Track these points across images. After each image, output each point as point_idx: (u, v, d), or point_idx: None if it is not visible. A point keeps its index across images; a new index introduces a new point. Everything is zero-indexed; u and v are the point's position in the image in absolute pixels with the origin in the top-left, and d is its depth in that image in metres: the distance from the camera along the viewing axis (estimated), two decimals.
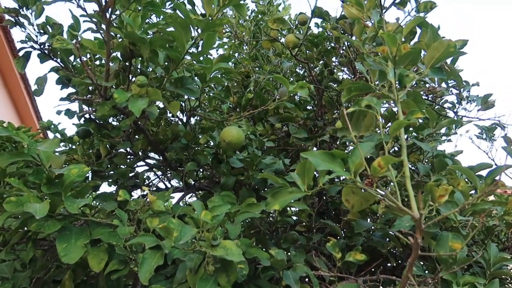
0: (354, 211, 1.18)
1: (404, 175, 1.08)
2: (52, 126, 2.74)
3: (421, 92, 2.12)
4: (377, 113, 1.13)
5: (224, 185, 1.81)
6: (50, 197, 1.26)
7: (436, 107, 2.26)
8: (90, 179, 1.96)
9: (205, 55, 1.55)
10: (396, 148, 2.00)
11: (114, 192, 1.90)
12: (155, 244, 1.15)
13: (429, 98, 2.31)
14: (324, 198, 2.48)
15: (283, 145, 2.57)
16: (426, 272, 1.79)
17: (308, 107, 2.87)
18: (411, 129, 1.80)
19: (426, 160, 1.89)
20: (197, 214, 1.16)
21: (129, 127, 1.63)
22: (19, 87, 7.12)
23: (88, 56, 1.76)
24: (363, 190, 1.14)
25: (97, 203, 1.64)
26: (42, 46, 1.82)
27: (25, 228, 1.36)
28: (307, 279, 1.66)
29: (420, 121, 1.75)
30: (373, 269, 1.95)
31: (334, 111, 2.55)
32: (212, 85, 2.37)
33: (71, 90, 1.99)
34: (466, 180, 1.50)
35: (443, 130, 2.27)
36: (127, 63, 1.61)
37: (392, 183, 1.28)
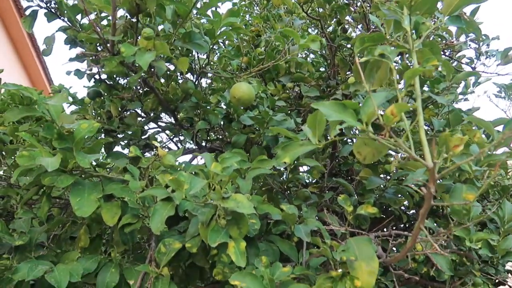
0: (366, 163, 1.16)
1: (418, 125, 1.05)
2: (64, 89, 2.75)
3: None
4: (391, 63, 1.09)
5: (235, 143, 1.81)
6: (61, 152, 1.26)
7: (454, 64, 2.19)
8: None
9: (213, 8, 1.50)
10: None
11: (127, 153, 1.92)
12: (166, 196, 1.15)
13: (447, 54, 2.23)
14: (337, 160, 2.47)
15: (295, 106, 2.54)
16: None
17: (321, 69, 2.81)
18: (426, 88, 1.75)
19: (441, 117, 1.85)
20: (207, 166, 1.16)
21: (138, 83, 1.61)
22: (28, 48, 7.10)
23: (95, 13, 1.72)
24: (376, 141, 1.12)
25: (109, 162, 1.65)
26: (48, 4, 1.79)
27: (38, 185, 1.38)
28: (318, 234, 1.67)
29: (436, 75, 1.70)
30: (384, 229, 1.96)
31: (347, 70, 2.49)
32: (222, 45, 2.33)
33: (80, 50, 1.97)
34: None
35: (459, 90, 2.20)
36: (133, 19, 1.57)
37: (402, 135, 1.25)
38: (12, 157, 1.55)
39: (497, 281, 2.28)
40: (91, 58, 1.61)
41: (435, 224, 1.82)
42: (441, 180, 1.36)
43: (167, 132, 2.34)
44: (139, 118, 2.14)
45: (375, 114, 1.00)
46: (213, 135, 2.37)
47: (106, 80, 2.16)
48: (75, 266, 1.27)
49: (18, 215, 1.52)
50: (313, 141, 1.19)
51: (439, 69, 1.69)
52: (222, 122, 2.06)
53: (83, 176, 1.35)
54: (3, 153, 1.55)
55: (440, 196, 1.33)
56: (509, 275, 2.24)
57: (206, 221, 1.27)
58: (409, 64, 1.69)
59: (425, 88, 1.75)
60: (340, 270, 1.25)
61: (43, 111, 1.25)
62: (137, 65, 1.37)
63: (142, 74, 1.56)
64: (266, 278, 1.21)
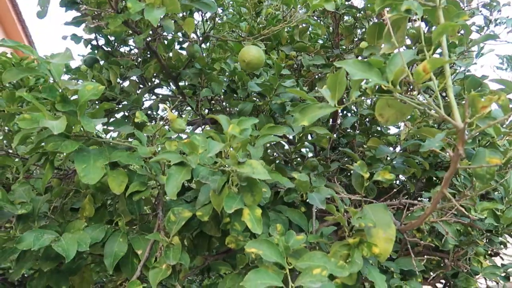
0: (389, 125, 1.12)
1: (446, 85, 1.00)
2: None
3: None
4: (418, 20, 1.03)
5: (242, 111, 1.75)
6: (65, 116, 1.19)
7: (461, 32, 2.13)
8: None
9: None
10: None
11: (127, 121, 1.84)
12: (180, 161, 1.10)
13: None
14: (336, 134, 2.42)
15: (297, 77, 2.47)
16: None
17: (319, 41, 2.73)
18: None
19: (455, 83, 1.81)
20: (224, 128, 1.10)
21: (142, 44, 1.53)
22: (8, 10, 6.83)
23: None
24: (401, 102, 1.07)
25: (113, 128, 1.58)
26: None
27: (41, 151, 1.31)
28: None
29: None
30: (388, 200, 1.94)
31: (352, 38, 2.42)
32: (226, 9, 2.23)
33: (75, 13, 1.86)
34: None
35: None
36: None
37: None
38: (9, 124, 1.47)
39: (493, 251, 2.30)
40: (93, 15, 1.51)
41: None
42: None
43: (167, 101, 2.27)
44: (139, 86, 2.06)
45: (404, 71, 0.95)
46: (214, 106, 2.30)
47: (103, 46, 2.06)
48: (82, 235, 1.22)
49: (16, 185, 1.45)
50: (332, 103, 1.14)
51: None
52: (224, 92, 2.00)
53: (87, 142, 1.28)
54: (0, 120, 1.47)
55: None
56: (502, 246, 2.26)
57: (218, 188, 1.22)
58: (423, 28, 1.63)
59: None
60: (355, 238, 1.23)
61: (44, 71, 1.17)
62: (142, 25, 1.28)
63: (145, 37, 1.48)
64: (281, 246, 1.17)
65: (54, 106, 1.17)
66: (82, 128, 1.23)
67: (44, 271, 1.34)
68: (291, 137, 1.86)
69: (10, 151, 1.48)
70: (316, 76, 2.26)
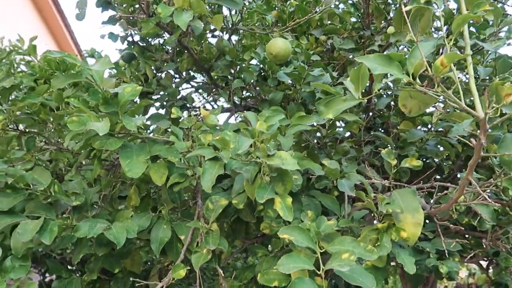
0: (412, 115, 1.14)
1: (468, 75, 1.02)
2: (96, 53, 2.78)
3: None
4: (438, 8, 1.04)
5: (272, 100, 1.81)
6: (107, 116, 1.30)
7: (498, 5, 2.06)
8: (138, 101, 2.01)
9: None
10: None
11: (165, 113, 1.95)
12: (213, 156, 1.18)
13: None
14: (371, 113, 2.43)
15: (328, 59, 2.48)
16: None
17: (352, 19, 2.70)
18: (472, 29, 1.66)
19: (486, 65, 1.77)
20: (252, 125, 1.17)
21: (174, 44, 1.61)
22: (52, 12, 7.14)
23: None
24: (423, 93, 1.09)
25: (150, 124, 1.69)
26: None
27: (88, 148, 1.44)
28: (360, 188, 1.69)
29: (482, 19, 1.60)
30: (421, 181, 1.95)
31: (382, 19, 2.39)
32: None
33: (111, 12, 1.97)
34: None
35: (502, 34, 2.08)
36: None
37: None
38: (59, 123, 1.61)
39: None
40: (127, 19, 1.60)
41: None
42: (489, 130, 1.33)
43: (201, 91, 2.36)
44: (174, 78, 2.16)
45: (423, 65, 0.97)
46: (247, 92, 2.36)
47: (139, 42, 2.17)
48: (130, 224, 1.35)
49: (69, 177, 1.60)
50: (356, 95, 1.18)
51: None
52: (255, 80, 2.05)
53: (128, 138, 1.39)
54: (51, 118, 1.61)
55: (486, 148, 1.31)
56: None
57: (251, 178, 1.30)
58: (452, 10, 1.60)
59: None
60: (384, 222, 1.28)
61: (87, 77, 1.28)
62: (173, 25, 1.36)
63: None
64: (312, 231, 1.25)
65: (98, 108, 1.29)
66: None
67: (99, 255, 1.50)
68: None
69: (61, 146, 1.62)
70: (349, 57, 2.26)
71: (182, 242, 1.47)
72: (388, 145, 1.97)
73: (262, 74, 2.03)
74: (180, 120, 1.46)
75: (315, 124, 1.85)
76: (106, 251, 1.40)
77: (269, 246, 1.58)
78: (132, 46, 2.18)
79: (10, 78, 1.34)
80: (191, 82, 2.35)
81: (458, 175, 1.96)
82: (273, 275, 1.37)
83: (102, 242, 1.40)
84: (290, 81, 1.94)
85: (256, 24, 1.99)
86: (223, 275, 1.43)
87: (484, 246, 2.19)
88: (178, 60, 2.03)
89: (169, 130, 1.61)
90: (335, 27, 2.40)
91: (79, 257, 1.42)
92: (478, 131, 0.99)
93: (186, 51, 2.06)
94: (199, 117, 1.44)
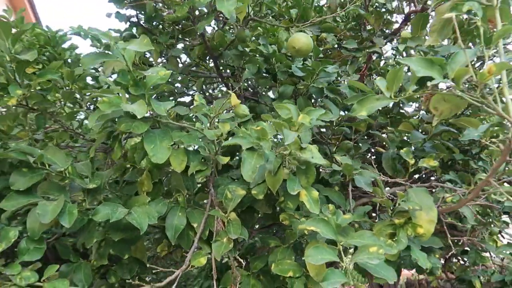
0: (442, 118, 1.21)
1: (502, 83, 1.09)
2: (83, 31, 2.67)
3: None
4: (480, 21, 1.10)
5: (283, 93, 1.82)
6: (136, 99, 1.27)
7: None
8: None
9: None
10: None
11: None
12: (251, 146, 1.19)
13: None
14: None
15: (326, 57, 2.53)
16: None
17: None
18: None
19: None
20: (294, 117, 1.19)
21: (202, 29, 1.57)
22: None
23: None
24: (458, 97, 1.15)
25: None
26: None
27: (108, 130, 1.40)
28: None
29: None
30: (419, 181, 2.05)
31: (381, 22, 2.47)
32: None
33: None
34: None
35: None
36: None
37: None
38: (69, 102, 1.55)
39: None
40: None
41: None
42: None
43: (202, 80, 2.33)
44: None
45: (468, 71, 1.03)
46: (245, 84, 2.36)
47: (143, 24, 2.11)
48: (149, 209, 1.33)
49: (84, 158, 1.54)
50: (388, 95, 1.22)
51: None
52: (255, 72, 2.05)
53: (152, 123, 1.37)
54: (60, 97, 1.54)
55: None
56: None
57: (274, 170, 1.32)
58: (465, 19, 1.69)
59: None
60: (400, 219, 1.34)
61: (118, 56, 1.24)
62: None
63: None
64: (333, 224, 1.28)
65: (128, 89, 1.25)
66: (149, 111, 1.32)
67: (109, 241, 1.46)
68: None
69: (90, 127, 1.56)
70: (349, 60, 2.31)
71: (194, 230, 1.46)
72: (385, 144, 2.04)
73: (264, 67, 2.03)
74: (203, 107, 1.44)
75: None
76: (123, 236, 1.37)
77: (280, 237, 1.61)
78: (135, 28, 2.12)
79: (32, 51, 1.27)
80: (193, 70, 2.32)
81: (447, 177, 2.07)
82: (287, 266, 1.40)
83: (119, 227, 1.37)
84: (297, 76, 1.96)
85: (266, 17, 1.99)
86: (236, 265, 1.45)
87: (462, 244, 2.35)
88: (184, 46, 2.00)
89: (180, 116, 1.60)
90: (330, 25, 2.44)
91: (92, 241, 1.38)
92: (507, 135, 1.07)
93: (190, 35, 2.04)
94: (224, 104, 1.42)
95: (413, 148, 2.06)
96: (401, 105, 2.38)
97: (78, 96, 1.67)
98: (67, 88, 1.56)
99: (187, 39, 2.03)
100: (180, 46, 2.14)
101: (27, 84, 1.30)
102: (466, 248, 2.50)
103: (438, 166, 2.27)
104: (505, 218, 2.33)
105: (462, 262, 2.81)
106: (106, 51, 1.27)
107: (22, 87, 1.29)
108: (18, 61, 1.28)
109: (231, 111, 1.38)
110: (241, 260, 1.36)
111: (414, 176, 2.36)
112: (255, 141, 1.17)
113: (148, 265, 1.50)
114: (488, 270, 2.86)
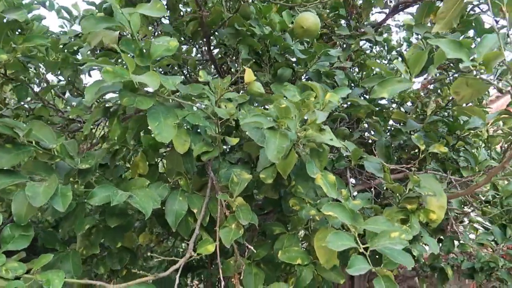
0: (462, 103, 1.19)
1: None
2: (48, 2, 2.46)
3: None
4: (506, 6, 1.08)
5: (281, 76, 1.75)
6: (140, 71, 1.14)
7: None
8: None
9: None
10: None
11: None
12: (272, 125, 1.11)
13: None
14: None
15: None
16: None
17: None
18: None
19: None
20: (320, 96, 1.12)
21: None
22: None
23: None
24: (481, 82, 1.13)
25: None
26: None
27: (107, 105, 1.26)
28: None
29: None
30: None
31: (370, 11, 2.45)
32: None
33: None
34: None
35: None
36: None
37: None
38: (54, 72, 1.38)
39: None
40: None
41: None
42: None
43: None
44: None
45: (500, 55, 1.01)
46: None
47: None
48: (150, 193, 1.21)
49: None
50: (408, 77, 1.19)
51: None
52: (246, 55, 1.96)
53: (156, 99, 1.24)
54: (41, 67, 1.38)
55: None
56: None
57: (285, 153, 1.24)
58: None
59: None
60: (413, 204, 1.32)
61: (122, 22, 1.11)
62: None
63: None
64: (347, 209, 1.24)
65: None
66: None
67: (100, 228, 1.33)
68: None
69: (85, 103, 1.40)
70: (338, 47, 2.27)
71: (193, 216, 1.37)
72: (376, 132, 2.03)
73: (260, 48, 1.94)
74: (207, 85, 1.34)
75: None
76: (119, 223, 1.24)
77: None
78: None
79: (21, 11, 1.10)
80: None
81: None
82: (295, 253, 1.35)
83: (114, 212, 1.24)
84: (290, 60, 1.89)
85: None
86: (240, 251, 1.37)
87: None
88: (179, 22, 1.86)
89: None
90: (320, 12, 2.40)
91: (84, 228, 1.25)
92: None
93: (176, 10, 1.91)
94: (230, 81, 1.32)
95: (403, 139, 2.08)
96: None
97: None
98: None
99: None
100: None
101: (12, 48, 1.13)
102: (440, 237, 2.57)
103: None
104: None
105: None
106: (109, 17, 1.13)
107: (6, 52, 1.12)
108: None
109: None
110: (251, 248, 1.27)
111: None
112: (281, 119, 1.08)
113: (146, 254, 1.37)
114: (458, 258, 2.97)
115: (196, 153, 1.26)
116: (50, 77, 2.13)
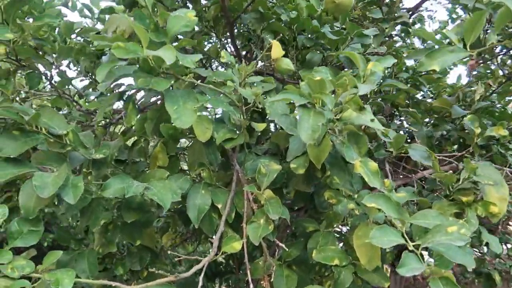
0: None
1: None
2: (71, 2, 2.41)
3: None
4: None
5: (310, 61, 1.61)
6: (155, 48, 1.03)
7: None
8: None
9: None
10: None
11: None
12: (304, 103, 0.97)
13: None
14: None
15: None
16: None
17: None
18: None
19: None
20: (361, 67, 0.97)
21: None
22: None
23: None
24: None
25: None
26: None
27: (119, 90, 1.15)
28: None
29: None
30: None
31: None
32: None
33: None
34: None
35: None
36: None
37: None
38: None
39: None
40: None
41: None
42: None
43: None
44: None
45: None
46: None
47: None
48: (169, 185, 1.09)
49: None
50: (461, 46, 1.03)
51: None
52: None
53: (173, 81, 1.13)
54: (53, 54, 1.29)
55: None
56: None
57: (319, 139, 1.10)
58: None
59: None
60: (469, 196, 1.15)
61: None
62: None
63: None
64: (393, 201, 1.08)
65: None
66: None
67: (118, 224, 1.22)
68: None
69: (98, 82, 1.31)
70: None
71: (217, 211, 1.24)
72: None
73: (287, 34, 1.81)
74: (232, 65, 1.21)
75: None
76: (136, 218, 1.13)
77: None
78: None
79: None
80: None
81: None
82: (331, 252, 1.20)
83: (131, 206, 1.13)
84: (320, 44, 1.75)
85: None
86: (268, 250, 1.23)
87: None
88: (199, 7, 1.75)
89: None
90: None
91: (98, 223, 1.14)
92: None
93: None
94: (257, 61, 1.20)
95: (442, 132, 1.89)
96: None
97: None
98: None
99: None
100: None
101: (19, 27, 1.04)
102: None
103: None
104: None
105: (479, 254, 2.66)
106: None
107: (13, 32, 1.03)
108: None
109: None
110: (283, 246, 1.13)
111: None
112: (315, 95, 0.94)
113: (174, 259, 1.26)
114: (507, 263, 2.73)
115: (219, 140, 1.14)
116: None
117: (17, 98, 1.39)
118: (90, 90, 1.83)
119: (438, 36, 1.89)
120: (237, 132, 1.18)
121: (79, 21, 2.33)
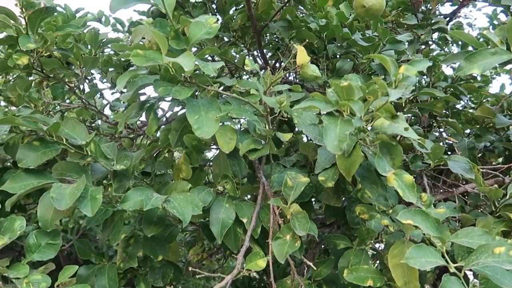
0: None
1: None
2: (104, 17, 2.46)
3: None
4: None
5: (341, 69, 1.54)
6: (175, 55, 1.00)
7: None
8: None
9: None
10: None
11: None
12: (331, 110, 0.90)
13: None
14: None
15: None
16: None
17: None
18: None
19: None
20: (392, 71, 0.90)
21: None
22: None
23: None
24: None
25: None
26: None
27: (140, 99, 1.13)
28: None
29: None
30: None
31: (439, 1, 2.18)
32: None
33: None
34: None
35: None
36: None
37: None
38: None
39: None
40: None
41: None
42: None
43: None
44: None
45: None
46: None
47: None
48: (191, 197, 1.05)
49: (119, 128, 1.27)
50: (504, 48, 0.93)
51: None
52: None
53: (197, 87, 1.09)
54: (79, 64, 1.28)
55: None
56: None
57: (348, 149, 1.02)
58: None
59: None
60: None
61: (155, 2, 0.98)
62: None
63: None
64: (431, 218, 0.98)
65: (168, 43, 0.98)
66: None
67: (139, 239, 1.19)
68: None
69: (118, 90, 1.30)
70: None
71: (243, 227, 1.18)
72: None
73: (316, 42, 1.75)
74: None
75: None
76: (156, 232, 1.09)
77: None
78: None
79: None
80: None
81: None
82: (364, 272, 1.10)
83: (151, 219, 1.09)
84: (351, 52, 1.68)
85: None
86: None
87: None
88: (227, 17, 1.73)
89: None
90: None
91: (119, 238, 1.11)
92: None
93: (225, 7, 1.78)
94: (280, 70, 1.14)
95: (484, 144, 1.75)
96: None
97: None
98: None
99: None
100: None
101: (41, 37, 1.03)
102: None
103: None
104: None
105: None
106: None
107: (36, 42, 1.03)
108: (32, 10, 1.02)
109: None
110: (311, 264, 1.06)
111: None
112: (343, 102, 0.87)
113: (189, 270, 1.21)
114: None
115: (242, 151, 1.08)
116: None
117: (50, 111, 1.41)
118: (120, 102, 1.85)
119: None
120: (262, 142, 1.12)
121: (114, 37, 2.39)
